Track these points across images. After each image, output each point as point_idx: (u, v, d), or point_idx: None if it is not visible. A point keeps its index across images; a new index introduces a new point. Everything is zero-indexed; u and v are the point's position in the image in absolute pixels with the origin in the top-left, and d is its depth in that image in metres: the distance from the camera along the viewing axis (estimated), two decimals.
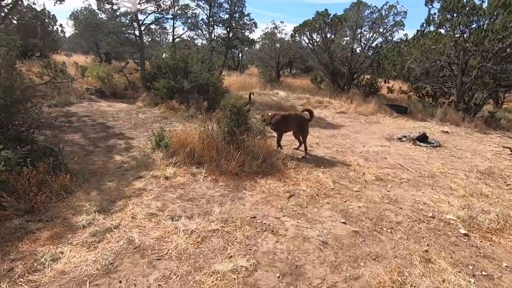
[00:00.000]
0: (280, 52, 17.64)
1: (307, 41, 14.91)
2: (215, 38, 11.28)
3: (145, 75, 10.56)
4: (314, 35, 14.20)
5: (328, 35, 14.13)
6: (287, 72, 24.74)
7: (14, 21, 17.33)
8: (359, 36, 14.43)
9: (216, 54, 12.91)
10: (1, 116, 3.76)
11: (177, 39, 14.82)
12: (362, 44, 14.69)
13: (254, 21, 13.65)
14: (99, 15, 13.52)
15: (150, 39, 14.86)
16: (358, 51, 14.71)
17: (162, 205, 3.34)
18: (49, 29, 18.08)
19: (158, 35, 19.02)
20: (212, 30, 13.30)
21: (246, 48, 23.18)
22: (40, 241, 2.59)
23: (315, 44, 14.98)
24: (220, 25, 12.86)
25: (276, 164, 4.58)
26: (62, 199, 3.26)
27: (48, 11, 17.04)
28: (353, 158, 5.45)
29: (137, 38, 13.82)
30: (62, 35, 23.06)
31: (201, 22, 13.93)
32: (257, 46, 22.41)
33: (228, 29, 13.23)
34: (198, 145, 4.49)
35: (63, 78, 9.99)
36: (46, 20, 16.19)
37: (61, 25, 13.73)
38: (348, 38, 14.92)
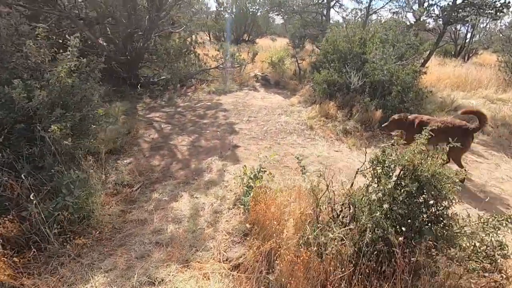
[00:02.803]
0: None
1: None
2: (427, 7, 7.19)
3: (316, 62, 8.47)
4: None
5: None
6: None
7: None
8: None
9: (423, 34, 8.60)
10: None
11: (373, 16, 11.48)
12: None
13: None
14: None
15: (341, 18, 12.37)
16: None
17: None
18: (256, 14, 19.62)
19: (349, 13, 15.94)
20: None
21: (483, 24, 15.69)
22: None
23: None
24: None
25: None
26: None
27: None
28: None
29: (323, 16, 11.76)
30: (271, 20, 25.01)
31: None
32: (507, 18, 14.51)
33: None
34: (289, 250, 1.90)
35: (233, 64, 9.82)
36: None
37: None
38: None
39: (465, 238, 1.66)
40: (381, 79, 5.43)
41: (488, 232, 1.75)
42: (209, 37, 21.04)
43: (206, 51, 9.30)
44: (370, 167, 1.85)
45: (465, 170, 2.43)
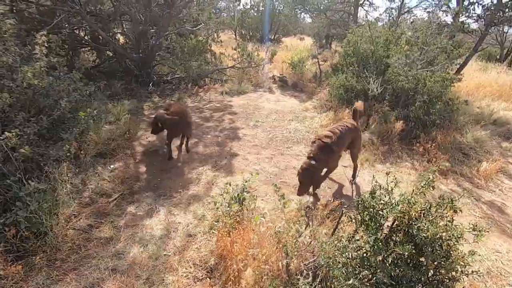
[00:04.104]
0: None
1: None
2: (467, 6, 6.34)
3: (337, 65, 7.90)
4: None
5: None
6: None
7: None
8: None
9: (462, 37, 7.64)
10: None
11: (406, 16, 10.62)
12: None
13: None
14: None
15: (368, 17, 11.58)
16: None
17: None
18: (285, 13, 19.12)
19: (382, 12, 14.83)
20: None
21: None
22: None
23: None
24: None
25: None
26: None
27: None
28: None
29: (350, 15, 11.07)
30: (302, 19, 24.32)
31: None
32: None
33: None
34: None
35: (250, 63, 9.48)
36: None
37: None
38: None
39: None
40: (404, 86, 4.81)
41: None
42: (235, 35, 20.90)
43: (223, 49, 9.06)
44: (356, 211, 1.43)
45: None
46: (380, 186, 1.40)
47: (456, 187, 3.75)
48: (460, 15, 7.00)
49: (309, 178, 2.84)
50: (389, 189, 1.38)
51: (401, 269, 1.23)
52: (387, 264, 1.24)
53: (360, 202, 1.38)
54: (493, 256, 2.55)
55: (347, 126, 3.21)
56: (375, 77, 5.14)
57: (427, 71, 4.97)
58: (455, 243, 1.25)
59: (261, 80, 8.83)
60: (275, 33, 20.01)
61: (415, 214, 1.25)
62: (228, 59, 8.86)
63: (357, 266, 1.28)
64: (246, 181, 2.52)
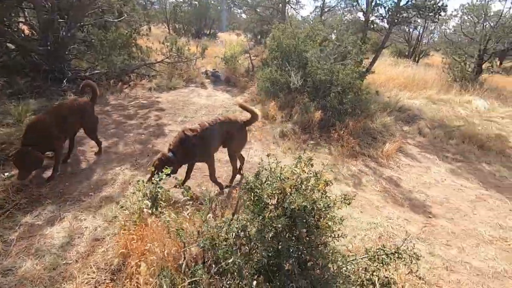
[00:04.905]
0: (493, 33, 10.74)
1: None
2: (372, 7, 7.15)
3: (266, 59, 8.16)
4: None
5: None
6: (494, 66, 16.08)
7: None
8: None
9: (374, 35, 8.64)
10: None
11: (326, 12, 11.45)
12: None
13: None
14: None
15: (296, 15, 12.20)
16: None
17: None
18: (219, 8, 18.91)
19: (312, 11, 15.85)
20: None
21: (432, 26, 16.47)
22: None
23: None
24: None
25: None
26: None
27: None
28: None
29: (279, 12, 11.50)
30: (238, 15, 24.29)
31: None
32: (451, 23, 15.31)
33: None
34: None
35: (181, 58, 9.19)
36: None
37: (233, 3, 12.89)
38: None
39: (341, 281, 1.37)
40: (322, 78, 5.22)
41: (374, 267, 1.48)
42: (169, 29, 20.01)
43: (151, 43, 8.59)
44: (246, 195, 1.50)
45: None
46: (263, 167, 1.51)
47: (364, 167, 4.24)
48: (370, 15, 7.85)
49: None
50: (271, 170, 1.48)
51: (280, 242, 1.34)
52: (268, 239, 1.34)
53: (246, 184, 1.46)
54: (385, 223, 2.96)
55: (219, 119, 3.01)
56: (296, 70, 5.46)
57: (341, 64, 5.47)
58: (325, 212, 1.41)
59: (193, 75, 8.63)
60: (210, 28, 19.72)
61: (289, 190, 1.38)
62: (157, 53, 8.46)
63: (239, 244, 1.36)
64: (160, 178, 2.44)
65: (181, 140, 2.77)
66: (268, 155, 1.55)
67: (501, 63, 17.40)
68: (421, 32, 16.20)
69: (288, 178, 1.39)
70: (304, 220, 1.32)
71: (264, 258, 1.29)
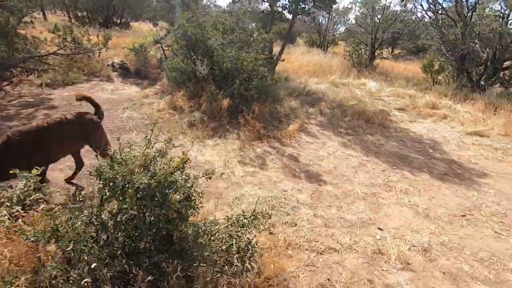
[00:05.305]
0: (380, 25, 12.54)
1: (425, 7, 9.70)
2: None
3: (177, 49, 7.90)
4: None
5: None
6: (387, 53, 18.76)
7: None
8: None
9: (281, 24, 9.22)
10: None
11: (237, 2, 11.60)
12: None
13: None
14: None
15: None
16: None
17: None
18: None
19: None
20: None
21: (336, 18, 18.24)
22: None
23: (439, 12, 9.70)
24: None
25: None
26: None
27: None
28: None
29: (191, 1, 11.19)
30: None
31: None
32: (352, 16, 17.23)
33: None
34: None
35: (79, 49, 8.24)
36: None
37: None
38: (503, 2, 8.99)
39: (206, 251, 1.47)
40: (228, 66, 5.32)
41: (236, 233, 1.62)
42: (69, 18, 17.63)
43: (40, 32, 7.43)
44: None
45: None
46: (115, 151, 1.49)
47: (268, 148, 4.53)
48: (274, 7, 8.26)
49: None
50: (122, 156, 1.48)
51: (135, 221, 1.36)
52: (122, 221, 1.34)
53: (96, 172, 1.42)
54: (280, 195, 3.24)
55: (65, 117, 2.76)
56: (202, 58, 5.44)
57: (245, 52, 5.66)
58: (187, 188, 1.47)
59: (96, 68, 7.83)
60: (121, 17, 18.04)
61: (137, 170, 1.39)
62: (48, 44, 7.38)
63: (94, 232, 1.33)
64: (34, 180, 2.18)
65: (4, 142, 2.46)
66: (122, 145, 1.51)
67: (392, 51, 20.50)
68: (327, 23, 17.81)
69: (136, 157, 1.41)
70: (156, 198, 1.36)
71: (115, 241, 1.28)
